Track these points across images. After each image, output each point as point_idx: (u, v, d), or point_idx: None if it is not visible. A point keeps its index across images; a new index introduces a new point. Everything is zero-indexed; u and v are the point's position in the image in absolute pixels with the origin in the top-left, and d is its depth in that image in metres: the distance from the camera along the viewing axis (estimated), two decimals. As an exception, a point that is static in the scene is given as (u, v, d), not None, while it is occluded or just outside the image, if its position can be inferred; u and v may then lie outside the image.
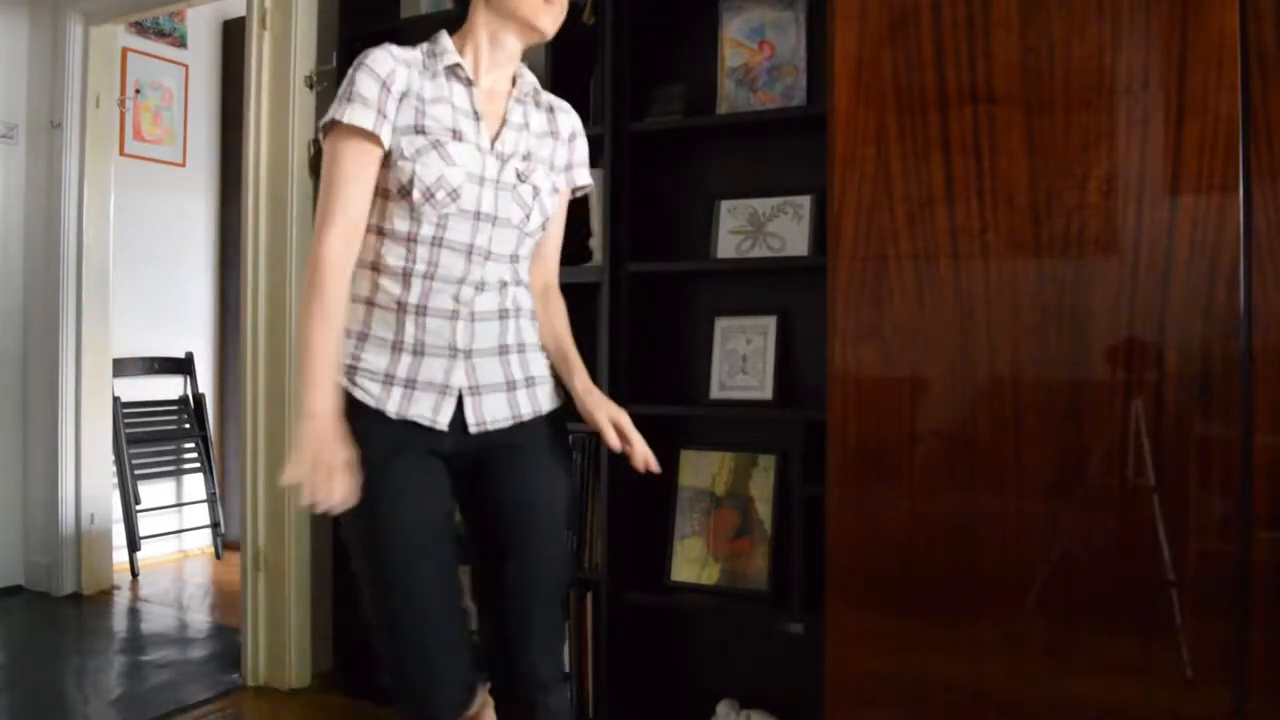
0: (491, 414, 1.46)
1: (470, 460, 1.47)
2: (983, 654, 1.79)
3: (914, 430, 1.85)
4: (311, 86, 2.87)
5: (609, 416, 1.51)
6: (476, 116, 1.47)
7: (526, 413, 1.49)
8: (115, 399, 4.08)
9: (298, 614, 2.85)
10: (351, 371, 1.42)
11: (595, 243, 2.46)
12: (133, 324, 4.28)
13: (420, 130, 1.41)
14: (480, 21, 1.49)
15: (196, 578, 4.20)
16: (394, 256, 1.41)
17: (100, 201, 3.87)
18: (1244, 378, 1.60)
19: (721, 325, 2.43)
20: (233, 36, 4.63)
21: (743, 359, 2.39)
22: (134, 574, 4.11)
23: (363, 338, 1.42)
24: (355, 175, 1.39)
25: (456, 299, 1.43)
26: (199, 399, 4.58)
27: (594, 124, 2.43)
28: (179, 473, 4.55)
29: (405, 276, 1.41)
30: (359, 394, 1.41)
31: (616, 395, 2.37)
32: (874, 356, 1.89)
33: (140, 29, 4.36)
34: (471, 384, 1.44)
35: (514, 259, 1.49)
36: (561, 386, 1.57)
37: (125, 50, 4.26)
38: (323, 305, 1.35)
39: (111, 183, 3.93)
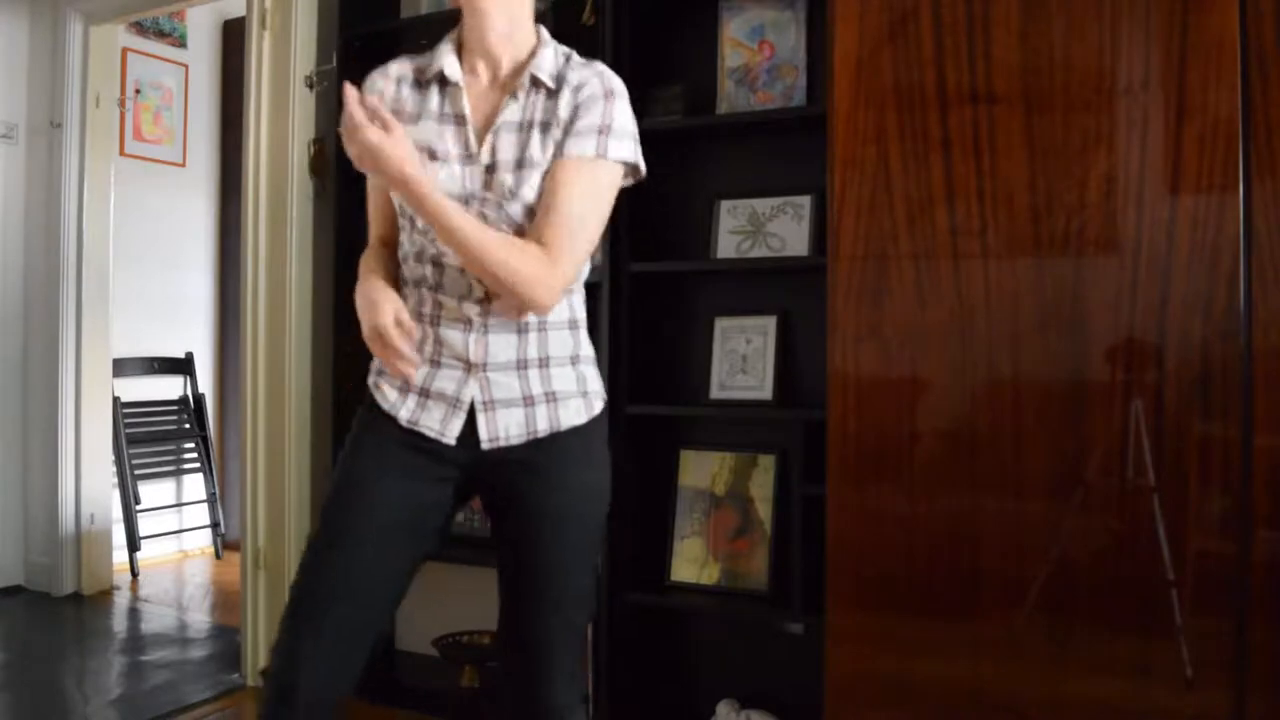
0: (505, 429, 1.38)
1: (491, 485, 1.43)
2: (983, 654, 1.79)
3: (914, 430, 1.85)
4: (311, 86, 2.87)
5: None
6: (461, 121, 1.37)
7: (543, 429, 1.39)
8: (115, 399, 4.08)
9: (298, 614, 2.84)
10: (378, 374, 1.43)
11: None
12: (133, 324, 4.28)
13: None
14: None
15: (196, 578, 4.20)
16: (406, 269, 1.41)
17: (100, 201, 3.87)
18: (1244, 378, 1.60)
19: (721, 325, 2.43)
20: (233, 36, 4.63)
21: (743, 359, 2.39)
22: (134, 574, 4.11)
23: None
24: (380, 203, 1.47)
25: (468, 311, 1.36)
26: (199, 399, 4.57)
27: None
28: (179, 473, 4.54)
29: (416, 287, 1.39)
30: (378, 397, 1.41)
31: (616, 395, 2.37)
32: (874, 356, 1.89)
33: (140, 29, 4.36)
34: (485, 399, 1.37)
35: None
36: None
37: (125, 50, 4.26)
38: (360, 267, 1.42)
39: (111, 183, 3.92)
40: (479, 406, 1.37)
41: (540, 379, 1.40)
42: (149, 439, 4.38)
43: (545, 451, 1.40)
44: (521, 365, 1.38)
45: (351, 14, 2.80)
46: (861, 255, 1.89)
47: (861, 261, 1.89)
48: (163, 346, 4.50)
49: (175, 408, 4.53)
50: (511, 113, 1.36)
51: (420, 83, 1.40)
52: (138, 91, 4.36)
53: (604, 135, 1.35)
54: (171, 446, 4.52)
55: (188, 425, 4.55)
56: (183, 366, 4.56)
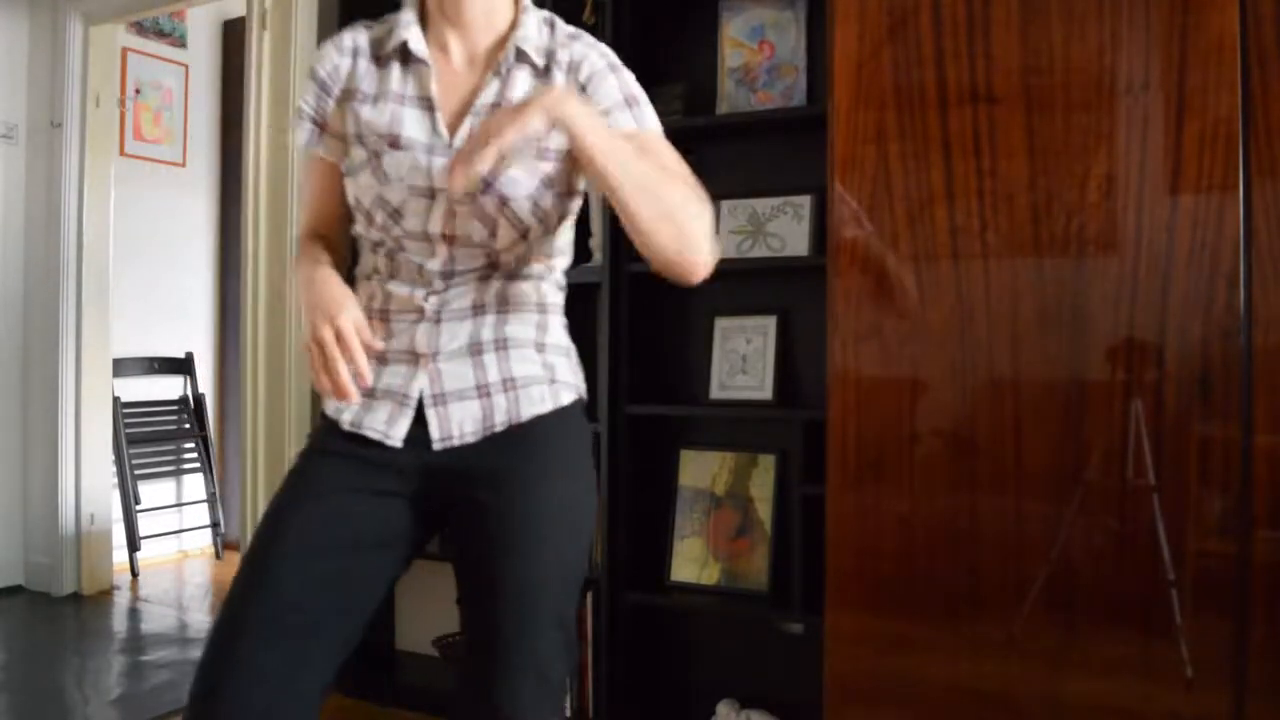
0: (459, 425, 1.21)
1: (450, 500, 1.23)
2: (983, 654, 1.79)
3: (914, 430, 1.85)
4: (311, 86, 2.87)
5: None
6: (428, 105, 1.19)
7: (500, 421, 1.21)
8: (115, 399, 4.08)
9: (298, 614, 2.84)
10: None
11: (595, 243, 2.46)
12: (133, 324, 4.28)
13: (360, 139, 1.21)
14: None
15: (196, 578, 4.20)
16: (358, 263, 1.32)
17: (100, 201, 3.87)
18: (1244, 378, 1.60)
19: (721, 325, 2.43)
20: (233, 36, 4.62)
21: (743, 359, 2.39)
22: (134, 574, 4.11)
23: None
24: (316, 191, 1.30)
25: (419, 300, 1.22)
26: (199, 399, 4.57)
27: (594, 124, 2.43)
28: (179, 473, 4.55)
29: (366, 280, 1.27)
30: (325, 401, 1.26)
31: (616, 395, 2.37)
32: (874, 356, 1.88)
33: (140, 29, 4.36)
34: (435, 392, 1.21)
35: (491, 257, 1.21)
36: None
37: (125, 50, 4.26)
38: (300, 256, 1.25)
39: (111, 183, 3.92)
40: (428, 401, 1.21)
41: (497, 363, 1.22)
42: (149, 439, 4.38)
43: (508, 454, 1.21)
44: (476, 350, 1.21)
45: (352, 14, 2.79)
46: (862, 255, 1.89)
47: (862, 261, 1.89)
48: (163, 346, 4.50)
49: (175, 408, 4.53)
50: (490, 94, 1.19)
51: (379, 58, 1.22)
52: (138, 91, 4.36)
53: (633, 108, 1.22)
54: (171, 446, 4.52)
55: (188, 425, 4.55)
56: (183, 366, 4.56)
